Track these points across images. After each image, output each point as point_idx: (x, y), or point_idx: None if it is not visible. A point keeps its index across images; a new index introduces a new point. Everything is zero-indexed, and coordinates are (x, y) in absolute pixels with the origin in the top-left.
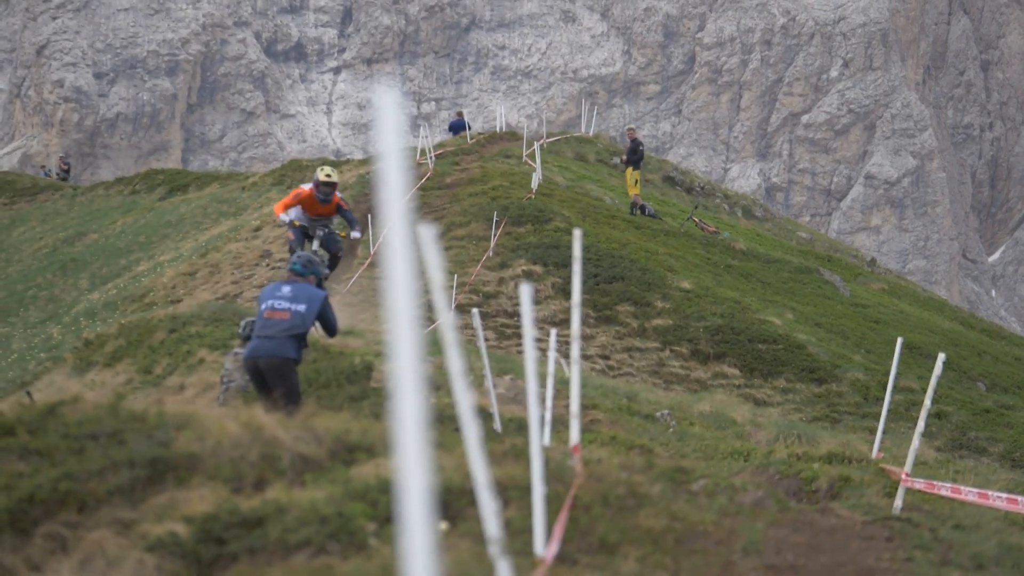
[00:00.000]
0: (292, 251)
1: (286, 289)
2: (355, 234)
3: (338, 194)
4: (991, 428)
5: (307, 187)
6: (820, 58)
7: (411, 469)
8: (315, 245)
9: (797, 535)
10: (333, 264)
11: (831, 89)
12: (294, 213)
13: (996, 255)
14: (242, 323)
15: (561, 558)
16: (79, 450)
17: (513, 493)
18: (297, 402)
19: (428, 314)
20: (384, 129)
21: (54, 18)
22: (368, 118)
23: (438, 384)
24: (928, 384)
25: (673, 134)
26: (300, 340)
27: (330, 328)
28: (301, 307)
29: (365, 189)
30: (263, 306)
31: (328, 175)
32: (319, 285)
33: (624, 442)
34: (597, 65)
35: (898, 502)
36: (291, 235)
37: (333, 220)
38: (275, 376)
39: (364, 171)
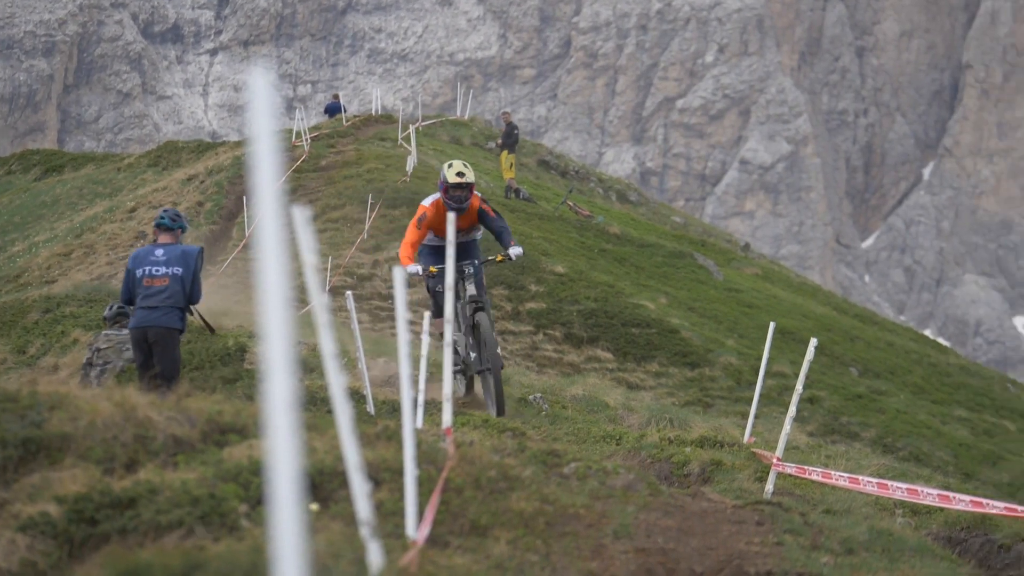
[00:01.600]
0: (432, 295)
1: (159, 252)
2: (516, 250)
3: (478, 195)
4: (863, 413)
5: (428, 202)
6: (696, 43)
7: (281, 451)
8: (470, 290)
9: (668, 519)
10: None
11: (706, 74)
12: (425, 240)
13: (869, 241)
14: (107, 308)
15: (432, 540)
16: None
17: (385, 475)
18: (177, 375)
19: (302, 296)
20: (257, 112)
21: None
22: (244, 100)
23: (311, 366)
24: (800, 369)
25: (548, 118)
26: (183, 307)
27: (194, 293)
28: (178, 270)
29: (240, 171)
30: (139, 272)
31: (460, 173)
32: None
33: (496, 425)
34: (473, 49)
35: (769, 486)
36: (428, 283)
37: (478, 235)
38: (161, 347)
39: (240, 153)
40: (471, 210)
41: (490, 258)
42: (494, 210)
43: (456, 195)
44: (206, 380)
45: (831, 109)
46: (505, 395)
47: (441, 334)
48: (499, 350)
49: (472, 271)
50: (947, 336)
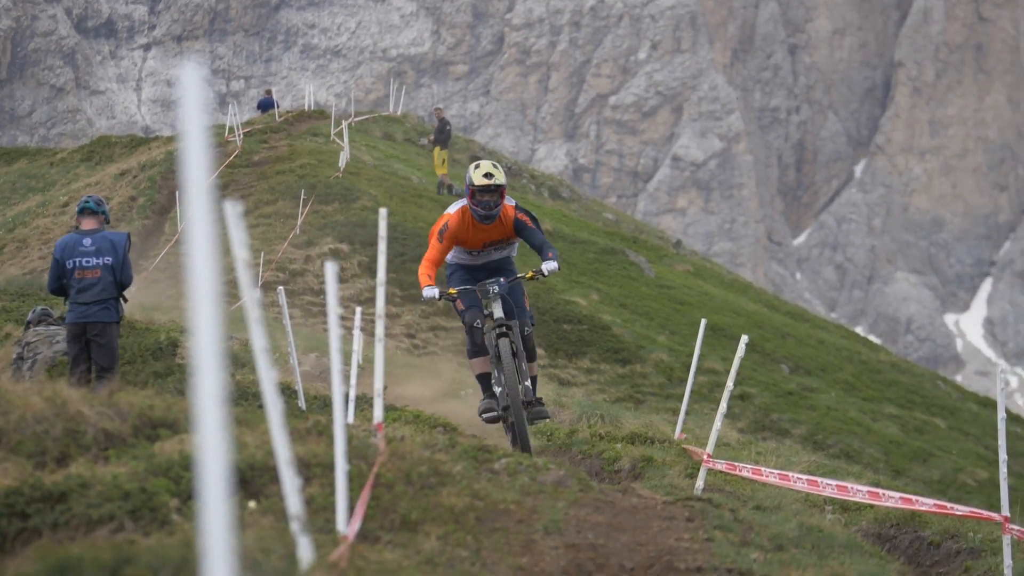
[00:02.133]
0: (467, 329)
1: (87, 242)
2: (550, 265)
3: (510, 201)
4: (794, 410)
5: (453, 209)
6: (628, 40)
7: (212, 446)
8: (496, 312)
9: (598, 514)
10: (529, 349)
11: (639, 71)
12: (451, 257)
13: (801, 238)
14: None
15: (363, 535)
16: None
17: (316, 470)
18: (115, 366)
19: (234, 291)
20: (188, 107)
21: None
22: (177, 95)
23: (243, 361)
24: (731, 366)
25: (481, 114)
26: (118, 297)
27: (125, 278)
28: (108, 259)
29: (173, 166)
30: (69, 264)
31: (488, 174)
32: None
33: (428, 420)
34: (406, 45)
35: (700, 483)
36: (460, 305)
37: (512, 249)
38: (99, 341)
39: (173, 148)
40: (505, 220)
41: (519, 275)
42: (533, 218)
43: (484, 200)
44: (138, 375)
45: (763, 106)
46: (530, 440)
47: (480, 377)
48: (529, 382)
49: (497, 290)
50: (878, 333)
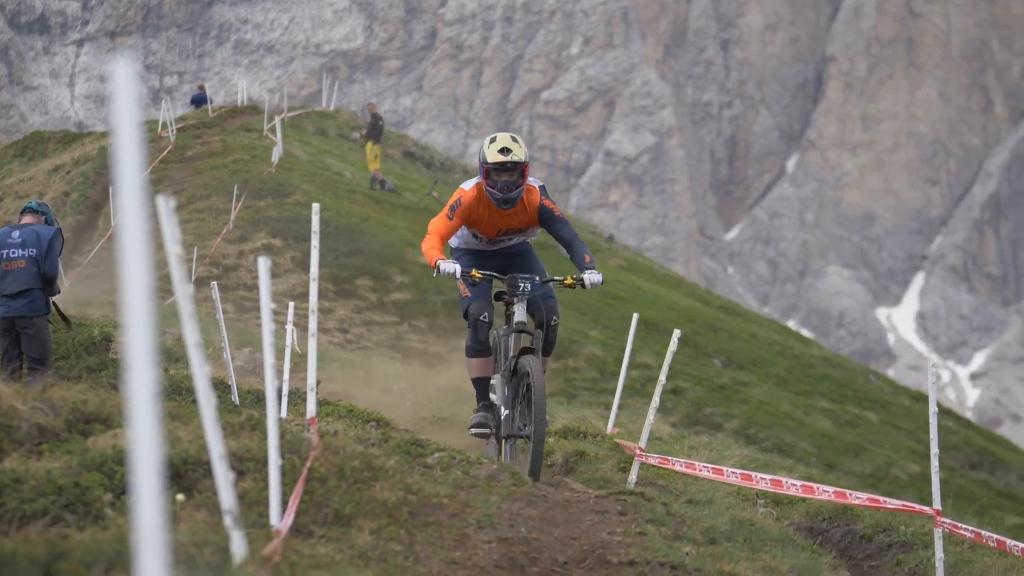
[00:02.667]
0: (471, 322)
1: (15, 235)
2: (593, 278)
3: (535, 182)
4: (726, 404)
5: (469, 185)
6: (561, 35)
7: (144, 440)
8: (518, 314)
9: (531, 508)
10: (548, 350)
11: (571, 66)
12: (458, 242)
13: (733, 232)
14: None
15: (296, 530)
16: None
17: (249, 465)
18: (48, 357)
19: (167, 286)
20: (121, 102)
21: None
22: (110, 91)
23: (176, 356)
24: (664, 360)
25: (414, 109)
26: (45, 289)
27: (48, 269)
28: (33, 251)
29: (107, 162)
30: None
31: (505, 149)
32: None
33: (361, 415)
34: (338, 40)
35: (632, 477)
36: (464, 290)
37: (532, 233)
38: (28, 334)
39: (106, 143)
40: (528, 205)
41: (556, 278)
42: (559, 208)
43: (502, 181)
44: (71, 369)
45: (696, 101)
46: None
47: (477, 381)
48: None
49: (529, 290)
50: (810, 328)
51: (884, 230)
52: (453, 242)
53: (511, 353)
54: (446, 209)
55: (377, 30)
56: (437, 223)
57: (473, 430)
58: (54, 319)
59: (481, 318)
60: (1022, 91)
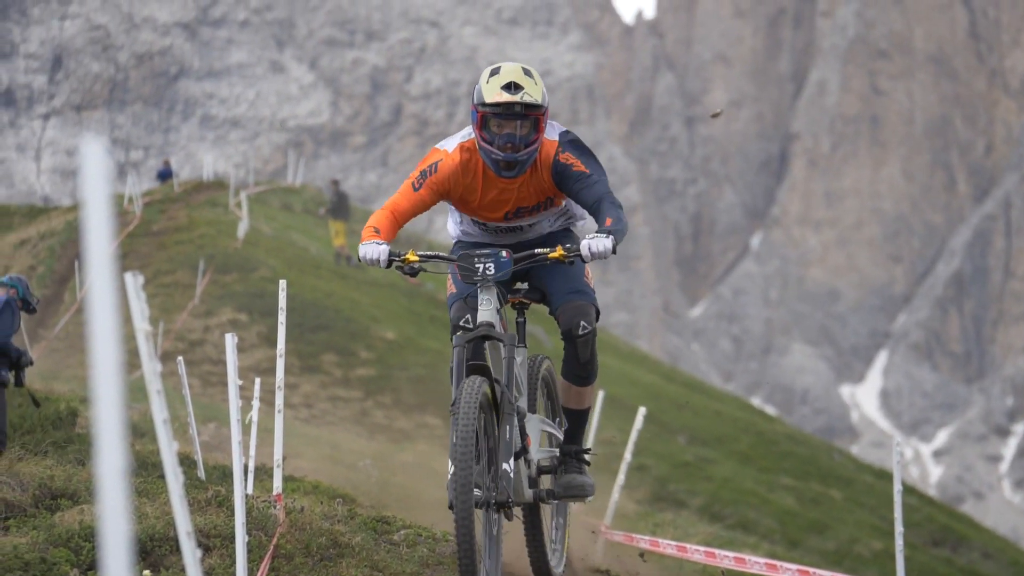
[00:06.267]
0: (454, 331)
1: None
2: (598, 244)
3: (554, 134)
4: (691, 481)
5: (452, 144)
6: None
7: (113, 516)
8: (482, 310)
9: None
10: (580, 373)
11: None
12: (457, 230)
13: (698, 309)
14: None
15: None
16: None
17: (215, 541)
18: (2, 434)
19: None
20: (90, 180)
21: None
22: (76, 165)
23: (142, 431)
24: (629, 437)
25: (379, 185)
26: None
27: None
28: None
29: (73, 236)
30: None
31: (512, 86)
32: (28, 308)
33: (327, 491)
34: (304, 115)
35: (598, 554)
36: (450, 284)
37: (566, 218)
38: None
39: (72, 217)
40: (541, 167)
41: (539, 251)
42: (586, 152)
43: (504, 134)
44: (37, 444)
45: (660, 178)
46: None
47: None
48: (558, 428)
49: (491, 271)
50: (774, 404)
51: (848, 307)
52: (452, 230)
53: (458, 376)
54: (413, 175)
55: (343, 105)
56: (395, 196)
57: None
58: (24, 396)
59: (461, 323)
60: (985, 169)
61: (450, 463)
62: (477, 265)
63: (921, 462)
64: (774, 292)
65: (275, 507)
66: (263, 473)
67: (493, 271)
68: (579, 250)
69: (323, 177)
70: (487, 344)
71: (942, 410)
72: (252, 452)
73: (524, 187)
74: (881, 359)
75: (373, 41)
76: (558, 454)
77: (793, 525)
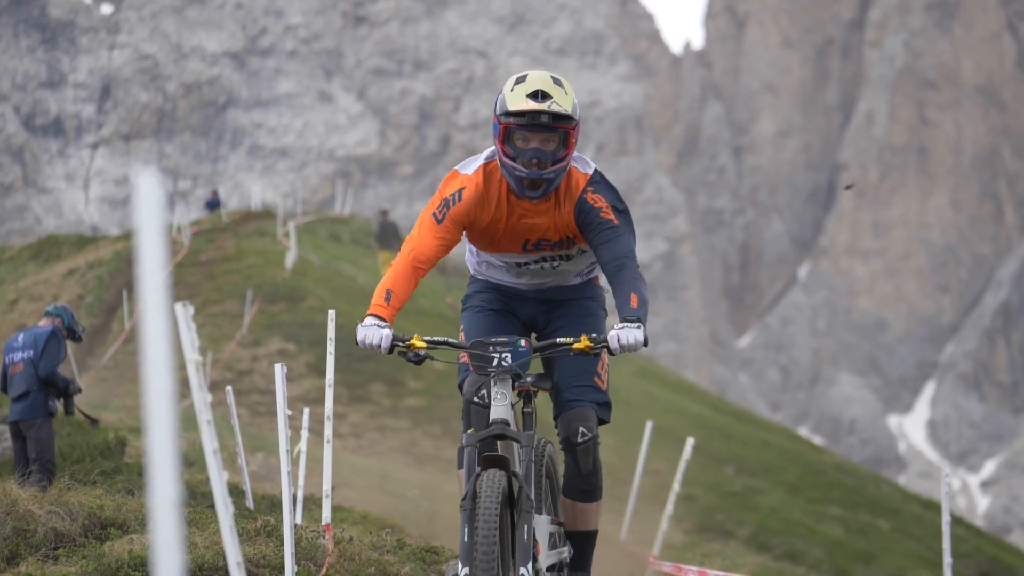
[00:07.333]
0: (468, 406)
1: (20, 338)
2: (628, 335)
3: (586, 168)
4: (738, 511)
5: (472, 167)
6: None
7: (164, 546)
8: (495, 407)
9: None
10: (585, 474)
11: None
12: (475, 261)
13: (745, 339)
14: None
15: None
16: None
17: (265, 571)
18: (50, 463)
19: (182, 390)
20: (143, 207)
21: None
22: (125, 194)
23: (191, 460)
24: (677, 467)
25: None
26: (45, 390)
27: (41, 367)
28: (30, 353)
29: (121, 265)
30: (6, 360)
31: (539, 95)
32: (73, 336)
33: (376, 521)
34: (352, 145)
35: None
36: (464, 355)
37: (580, 260)
38: (30, 434)
39: (120, 247)
40: (566, 196)
41: (560, 340)
42: (617, 206)
43: (530, 149)
44: (87, 474)
45: (708, 208)
46: None
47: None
48: (564, 550)
49: (508, 362)
50: (822, 434)
51: (895, 337)
52: (469, 260)
53: (472, 476)
54: (435, 202)
55: (391, 135)
56: (417, 236)
57: None
58: (72, 425)
59: (475, 400)
60: None
61: (461, 565)
62: (492, 355)
63: (969, 493)
64: (821, 322)
65: (324, 537)
66: (312, 503)
67: (510, 361)
68: (607, 342)
69: (371, 207)
70: (481, 445)
71: (990, 440)
72: (301, 482)
73: (547, 215)
74: (929, 389)
75: (421, 71)
76: (565, 553)
77: (841, 555)
